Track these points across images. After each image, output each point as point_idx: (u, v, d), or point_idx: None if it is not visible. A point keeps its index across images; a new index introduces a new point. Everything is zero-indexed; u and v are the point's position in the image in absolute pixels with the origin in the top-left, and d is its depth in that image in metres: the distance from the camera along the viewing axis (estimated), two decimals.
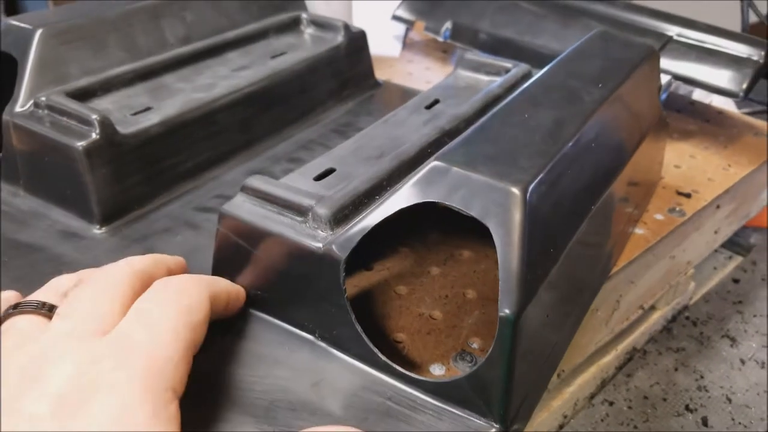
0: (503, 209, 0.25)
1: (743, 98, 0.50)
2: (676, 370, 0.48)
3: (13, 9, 1.38)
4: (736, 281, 0.58)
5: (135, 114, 0.38)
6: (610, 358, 0.46)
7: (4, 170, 0.38)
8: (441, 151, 0.28)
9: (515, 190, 0.25)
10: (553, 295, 0.28)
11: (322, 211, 0.28)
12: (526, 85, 0.35)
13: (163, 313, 0.23)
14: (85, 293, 0.24)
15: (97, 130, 0.34)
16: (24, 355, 0.22)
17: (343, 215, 0.28)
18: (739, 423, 0.44)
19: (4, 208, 0.36)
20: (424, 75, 0.66)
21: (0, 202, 0.36)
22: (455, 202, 0.26)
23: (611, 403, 0.45)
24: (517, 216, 0.25)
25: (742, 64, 0.51)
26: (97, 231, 0.35)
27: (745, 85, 0.50)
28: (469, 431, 0.25)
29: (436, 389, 0.26)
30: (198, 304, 0.25)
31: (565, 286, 0.30)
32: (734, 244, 0.63)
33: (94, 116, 0.34)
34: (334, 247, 0.27)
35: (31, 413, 0.20)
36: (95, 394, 0.20)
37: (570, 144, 0.30)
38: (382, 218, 0.27)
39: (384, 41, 0.72)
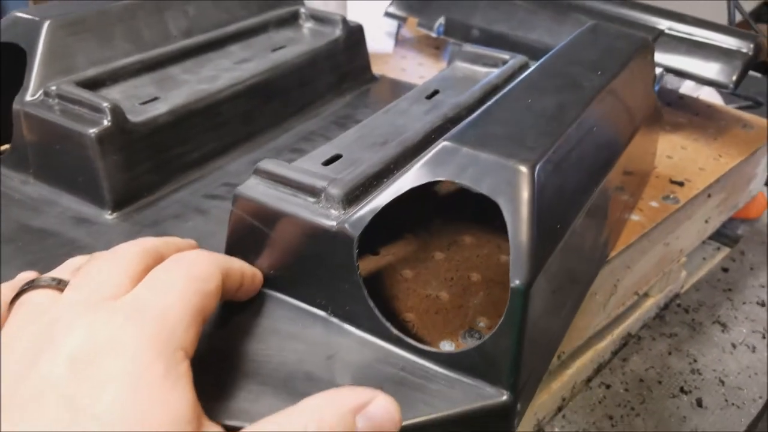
0: (512, 186, 0.26)
1: (733, 90, 0.52)
2: (669, 354, 0.50)
3: None
4: (725, 270, 0.60)
5: (143, 103, 0.38)
6: (606, 343, 0.47)
7: (13, 159, 0.38)
8: (449, 133, 0.29)
9: (524, 168, 0.27)
10: (558, 270, 0.29)
11: (335, 191, 0.29)
12: (527, 72, 0.37)
13: (174, 279, 0.24)
14: (97, 266, 0.25)
15: (109, 118, 0.34)
16: (37, 323, 0.23)
17: (354, 196, 0.29)
18: (733, 404, 0.46)
19: (15, 196, 0.36)
20: (417, 70, 0.67)
21: None
22: (465, 181, 0.27)
23: (608, 386, 0.46)
24: (525, 193, 0.26)
25: (732, 57, 0.52)
26: (108, 217, 0.35)
27: (735, 77, 0.51)
28: (480, 398, 0.26)
29: (448, 360, 0.27)
30: (209, 275, 0.25)
31: (568, 264, 0.31)
32: (722, 236, 0.64)
33: (105, 104, 0.34)
34: (347, 225, 0.28)
35: (47, 375, 0.20)
36: (109, 353, 0.21)
37: (573, 127, 0.31)
38: (394, 197, 0.28)
39: (377, 37, 0.73)
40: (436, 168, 0.28)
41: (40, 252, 0.33)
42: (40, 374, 0.20)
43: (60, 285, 0.25)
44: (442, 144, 0.28)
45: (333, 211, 0.29)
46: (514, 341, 0.26)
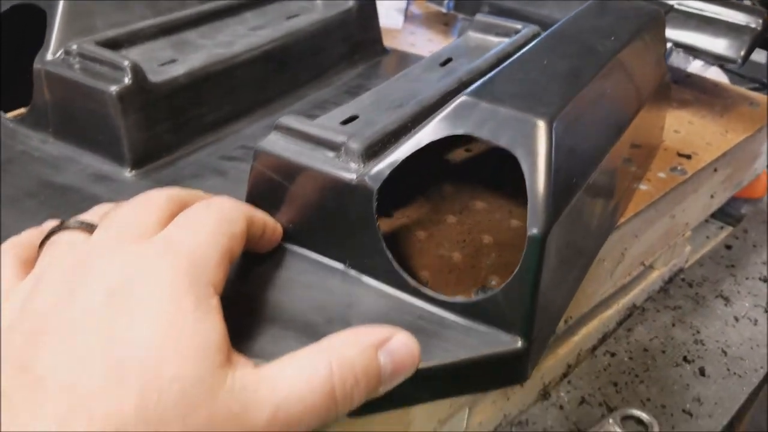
0: (530, 139, 0.27)
1: (741, 65, 0.52)
2: (673, 325, 0.50)
3: None
4: (728, 247, 0.61)
5: (161, 65, 0.39)
6: (611, 312, 0.48)
7: (33, 119, 0.39)
8: (468, 89, 0.29)
9: (541, 122, 0.27)
10: (572, 225, 0.30)
11: (355, 145, 0.29)
12: (540, 38, 0.37)
13: (204, 219, 0.25)
14: (125, 209, 0.25)
15: (129, 76, 0.35)
16: (71, 259, 0.23)
17: (373, 151, 0.30)
18: (735, 373, 0.46)
19: (35, 154, 0.37)
20: (427, 46, 0.68)
21: None
22: (484, 134, 0.28)
23: (613, 355, 0.47)
24: (543, 145, 0.27)
25: (740, 32, 0.53)
26: (128, 174, 0.36)
27: (743, 52, 0.52)
28: (495, 345, 0.27)
29: (464, 309, 0.28)
30: (236, 219, 0.26)
31: (581, 221, 0.32)
32: (726, 215, 0.65)
33: (126, 62, 0.35)
34: (366, 178, 0.29)
35: (83, 306, 0.21)
36: (143, 285, 0.21)
37: (588, 88, 0.32)
38: (414, 150, 0.29)
39: (386, 14, 0.74)
40: (456, 122, 0.28)
41: (62, 206, 0.33)
42: (77, 302, 0.21)
43: (88, 228, 0.25)
44: (462, 99, 0.29)
45: (353, 165, 0.29)
46: (530, 289, 0.27)
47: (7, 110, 0.41)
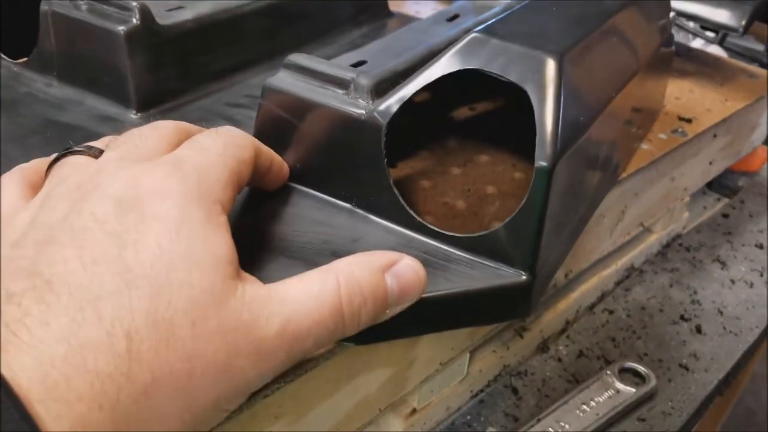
0: (540, 74, 0.27)
1: (742, 34, 0.53)
2: (671, 286, 0.51)
3: None
4: (725, 216, 0.61)
5: (169, 10, 0.39)
6: (610, 272, 0.48)
7: (38, 61, 0.38)
8: (478, 27, 0.30)
9: (551, 58, 0.27)
10: (578, 164, 0.30)
11: (364, 81, 0.30)
12: None
13: (212, 143, 0.25)
14: (133, 134, 0.25)
15: (137, 17, 0.35)
16: (79, 176, 0.23)
17: (383, 88, 0.30)
18: (731, 331, 0.47)
19: (40, 96, 0.37)
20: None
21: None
22: (494, 69, 0.28)
23: (611, 312, 0.48)
24: (552, 81, 0.27)
25: (742, 1, 0.53)
26: (133, 116, 0.36)
27: (744, 21, 0.52)
28: (500, 278, 0.27)
29: (470, 244, 0.28)
30: (244, 144, 0.26)
31: (586, 162, 0.32)
32: (723, 187, 0.66)
33: (134, 3, 0.35)
34: (375, 114, 0.29)
35: (93, 212, 0.21)
36: (153, 197, 0.21)
37: (595, 33, 0.32)
38: (423, 85, 0.29)
39: None
40: (466, 57, 0.28)
41: (67, 143, 0.33)
42: (86, 211, 0.21)
43: (96, 152, 0.26)
44: (472, 35, 0.29)
45: (361, 101, 0.30)
46: (536, 222, 0.27)
47: (14, 58, 0.41)
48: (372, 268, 0.24)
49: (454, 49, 0.29)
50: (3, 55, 0.40)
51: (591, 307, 0.48)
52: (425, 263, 0.28)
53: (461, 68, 0.28)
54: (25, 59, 0.43)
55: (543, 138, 0.26)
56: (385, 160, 0.29)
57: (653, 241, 0.53)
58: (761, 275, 0.53)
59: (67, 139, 0.34)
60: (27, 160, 0.29)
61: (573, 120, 0.29)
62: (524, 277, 0.27)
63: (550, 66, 0.27)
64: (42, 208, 0.22)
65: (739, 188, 0.66)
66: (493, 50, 0.28)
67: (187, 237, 0.21)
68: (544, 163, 0.26)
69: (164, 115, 0.37)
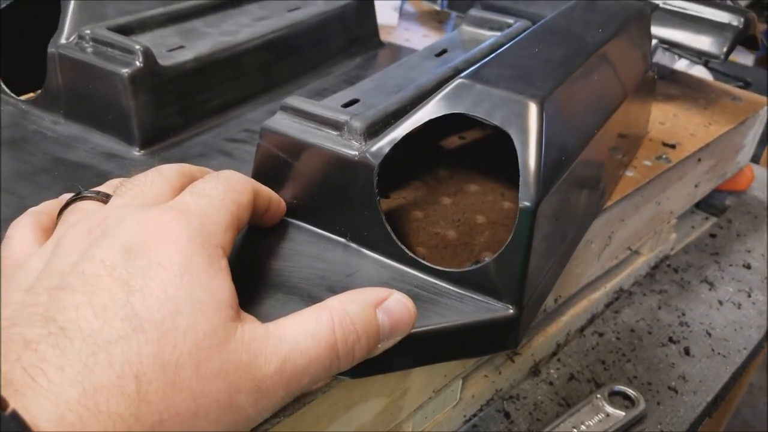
0: (522, 118, 0.29)
1: (723, 61, 0.54)
2: (659, 308, 0.52)
3: None
4: (713, 236, 0.63)
5: (170, 51, 0.41)
6: (599, 295, 0.50)
7: (45, 100, 0.40)
8: (464, 72, 0.31)
9: (533, 103, 0.29)
10: (561, 201, 0.32)
11: (357, 124, 0.31)
12: (532, 28, 0.39)
13: (214, 187, 0.26)
14: (139, 179, 0.27)
15: (140, 59, 0.36)
16: (88, 222, 0.25)
17: (374, 129, 0.32)
18: (719, 353, 0.48)
19: (47, 133, 0.38)
20: (421, 41, 0.70)
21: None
22: (479, 114, 0.30)
23: (601, 335, 0.49)
24: (534, 124, 0.29)
25: (723, 29, 0.55)
26: (137, 153, 0.38)
27: (725, 48, 0.54)
28: (488, 311, 0.29)
29: (459, 278, 0.30)
30: (243, 189, 0.27)
31: (570, 197, 0.34)
32: (711, 207, 0.67)
33: (137, 46, 0.37)
34: (368, 155, 0.31)
35: (102, 258, 0.22)
36: (158, 243, 0.23)
37: (576, 74, 0.34)
38: (413, 128, 0.30)
39: (382, 11, 0.75)
40: (453, 102, 0.30)
41: (75, 181, 0.35)
42: (96, 258, 0.22)
43: (104, 197, 0.27)
44: (458, 81, 0.30)
45: (355, 143, 0.31)
46: (521, 259, 0.28)
47: (18, 94, 0.43)
48: (364, 304, 0.25)
49: (442, 94, 0.30)
50: (11, 93, 0.42)
51: (581, 330, 0.49)
52: (416, 297, 0.29)
53: (448, 112, 0.30)
54: (32, 95, 0.45)
55: (526, 179, 0.28)
56: (378, 198, 0.31)
57: (641, 263, 0.54)
58: (749, 296, 0.55)
59: (74, 178, 0.35)
60: (37, 199, 0.30)
61: (555, 159, 0.30)
62: (511, 311, 0.29)
63: (532, 110, 0.29)
64: (54, 253, 0.24)
65: (726, 207, 0.68)
66: (478, 95, 0.30)
67: (190, 282, 0.22)
68: (527, 203, 0.28)
69: (166, 152, 0.38)
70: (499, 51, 0.35)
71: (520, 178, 0.28)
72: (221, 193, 0.26)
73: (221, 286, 0.23)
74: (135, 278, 0.22)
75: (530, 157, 0.28)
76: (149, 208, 0.25)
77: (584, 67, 0.35)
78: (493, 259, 0.29)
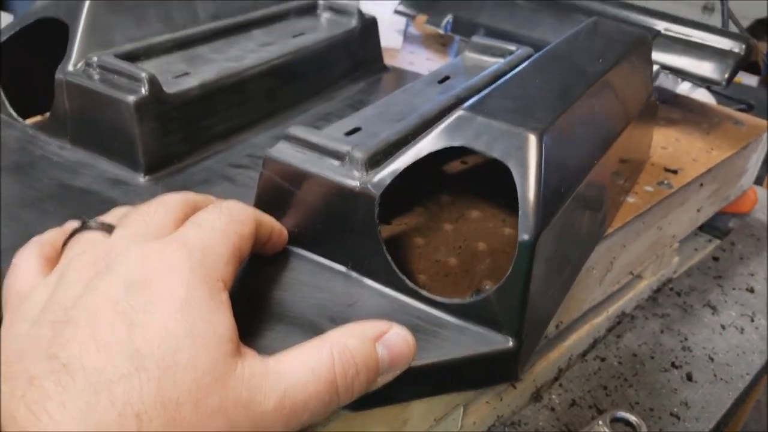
0: (521, 151, 0.29)
1: (725, 86, 0.55)
2: (662, 332, 0.52)
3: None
4: (716, 259, 0.63)
5: (175, 77, 0.41)
6: (601, 319, 0.50)
7: (52, 126, 0.41)
8: (465, 104, 0.32)
9: (532, 135, 0.29)
10: (561, 231, 0.32)
11: (359, 155, 0.31)
12: (534, 57, 0.39)
13: (216, 219, 0.26)
14: (143, 210, 0.27)
15: (146, 87, 0.37)
16: (92, 255, 0.25)
17: (376, 160, 0.32)
18: (721, 379, 0.48)
19: (54, 159, 0.39)
20: (425, 64, 0.70)
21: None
22: (479, 146, 0.30)
23: (603, 359, 0.49)
24: (533, 157, 0.29)
25: (724, 56, 0.55)
26: (142, 180, 0.38)
27: (727, 75, 0.54)
28: (488, 344, 0.29)
29: (459, 310, 0.30)
30: (245, 220, 0.28)
31: (570, 228, 0.34)
32: (714, 228, 0.67)
33: (144, 74, 0.37)
34: (369, 185, 0.31)
35: (106, 293, 0.23)
36: (160, 278, 0.23)
37: (576, 105, 0.34)
38: (414, 160, 0.31)
39: (386, 34, 0.76)
40: (453, 134, 0.30)
41: (80, 208, 0.35)
42: (99, 293, 0.23)
43: (108, 228, 0.27)
44: (459, 113, 0.31)
45: (356, 173, 0.31)
46: (520, 291, 0.29)
47: (25, 117, 0.44)
48: (364, 338, 0.25)
49: (442, 126, 0.31)
50: (18, 118, 0.43)
51: (583, 355, 0.49)
52: (416, 329, 0.30)
53: (449, 145, 0.30)
54: (39, 118, 0.45)
55: (525, 212, 0.28)
56: (378, 229, 0.31)
57: (644, 287, 0.54)
58: (751, 320, 0.54)
59: (80, 204, 0.36)
60: (42, 226, 0.31)
61: (555, 191, 0.30)
62: (511, 344, 0.29)
63: (532, 143, 0.29)
64: (58, 286, 0.24)
65: (729, 230, 0.68)
66: (477, 127, 0.30)
67: (191, 318, 0.22)
68: (526, 237, 0.28)
69: (170, 178, 0.39)
70: (500, 81, 0.35)
71: (520, 211, 0.28)
72: (223, 224, 0.26)
73: (221, 321, 0.23)
74: (137, 313, 0.22)
75: (529, 191, 0.28)
76: (152, 240, 0.25)
77: (585, 97, 0.35)
78: (493, 291, 0.29)
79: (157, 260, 0.24)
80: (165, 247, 0.24)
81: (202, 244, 0.25)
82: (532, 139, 0.29)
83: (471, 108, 0.31)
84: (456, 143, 0.30)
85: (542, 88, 0.35)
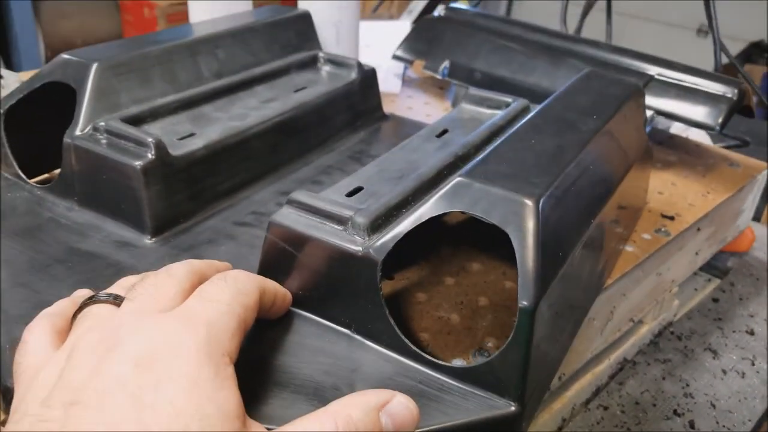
0: (519, 217, 0.30)
1: (719, 132, 0.56)
2: (663, 378, 0.52)
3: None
4: (715, 300, 0.63)
5: (181, 139, 0.42)
6: (603, 367, 0.50)
7: (60, 187, 0.41)
8: (463, 169, 0.33)
9: (529, 201, 0.30)
10: (561, 294, 0.32)
11: (361, 220, 0.32)
12: (528, 116, 0.40)
13: (221, 293, 0.27)
14: (151, 282, 0.28)
15: (153, 152, 0.38)
16: (102, 330, 0.25)
17: (377, 224, 0.33)
18: (723, 426, 0.48)
19: (62, 221, 0.40)
20: (423, 109, 0.72)
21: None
22: (478, 212, 0.31)
23: (605, 408, 0.49)
24: (531, 223, 0.30)
25: (717, 101, 0.56)
26: (148, 241, 0.39)
27: (720, 119, 0.56)
28: (490, 409, 0.29)
29: (462, 374, 0.30)
30: (250, 291, 0.29)
31: (569, 289, 0.34)
32: (713, 268, 0.68)
33: (150, 139, 0.38)
34: (371, 251, 0.32)
35: (116, 373, 0.23)
36: (167, 356, 0.24)
37: (571, 166, 0.35)
38: (414, 225, 0.31)
39: (385, 78, 0.78)
40: (452, 200, 0.31)
41: (88, 272, 0.36)
42: (108, 373, 0.23)
43: (117, 300, 0.28)
44: (457, 179, 0.32)
45: (358, 238, 0.32)
46: (522, 356, 0.29)
47: (30, 175, 0.45)
48: (368, 408, 0.26)
49: (441, 192, 0.32)
50: (28, 180, 0.44)
51: (586, 403, 0.49)
52: (419, 394, 0.30)
53: (448, 210, 0.31)
54: (47, 175, 0.46)
55: (525, 279, 0.29)
56: (381, 293, 0.32)
57: (645, 332, 0.54)
58: (752, 364, 0.55)
59: (88, 269, 0.36)
60: (51, 293, 0.31)
61: (553, 256, 0.31)
62: (513, 408, 0.29)
63: (529, 209, 0.30)
64: (68, 364, 0.25)
65: (729, 269, 0.68)
66: (476, 194, 0.31)
67: (198, 396, 0.23)
68: (526, 303, 0.28)
69: (176, 238, 0.40)
70: (496, 143, 0.36)
71: (519, 278, 0.29)
72: (228, 297, 0.27)
73: (227, 397, 0.24)
74: (146, 394, 0.23)
75: (528, 258, 0.29)
76: (159, 315, 0.26)
77: (579, 157, 0.36)
78: (495, 356, 0.29)
79: (164, 338, 0.24)
80: (171, 323, 0.25)
81: (207, 319, 0.26)
82: (529, 205, 0.30)
83: (469, 174, 0.32)
84: (455, 209, 0.31)
85: (537, 149, 0.35)
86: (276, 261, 0.34)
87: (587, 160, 0.38)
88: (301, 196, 0.34)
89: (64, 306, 0.29)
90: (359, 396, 0.26)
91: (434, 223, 0.44)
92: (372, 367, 0.31)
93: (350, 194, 0.37)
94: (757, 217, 0.78)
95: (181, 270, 0.29)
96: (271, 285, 0.32)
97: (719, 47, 0.88)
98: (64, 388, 0.23)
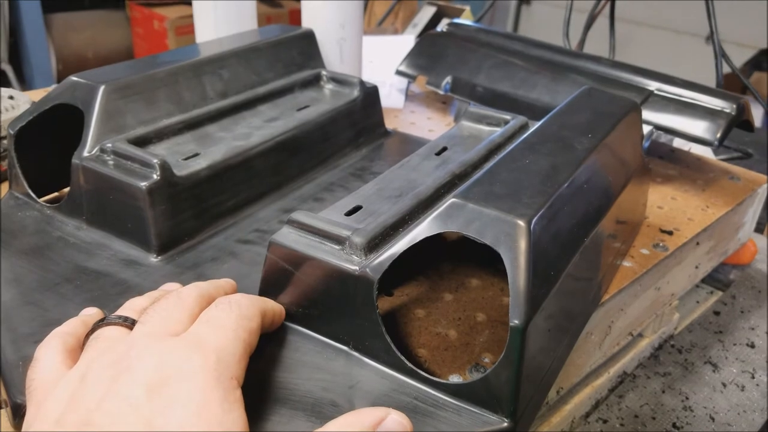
0: (512, 238, 0.31)
1: (718, 146, 0.56)
2: (663, 392, 0.53)
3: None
4: (717, 313, 0.63)
5: (186, 159, 0.43)
6: (603, 380, 0.50)
7: (69, 207, 0.43)
8: (457, 190, 0.33)
9: (521, 222, 0.31)
10: (553, 312, 0.33)
11: (358, 240, 0.33)
12: (524, 135, 0.41)
13: (227, 318, 0.28)
14: (162, 306, 0.29)
15: (158, 173, 0.39)
16: (114, 353, 0.27)
17: (374, 244, 0.34)
18: None
19: (70, 240, 0.41)
20: (426, 124, 0.73)
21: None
22: (471, 233, 0.31)
23: (605, 421, 0.50)
24: (523, 243, 0.31)
25: (716, 116, 0.57)
26: (153, 259, 0.40)
27: (719, 135, 0.56)
28: (483, 425, 0.30)
29: (456, 391, 0.31)
30: (253, 315, 0.30)
31: (563, 306, 0.35)
32: (715, 280, 0.68)
33: (155, 160, 0.39)
34: (368, 270, 0.32)
35: (125, 401, 0.24)
36: (177, 381, 0.25)
37: (565, 185, 0.36)
38: (409, 245, 0.32)
39: (389, 94, 0.79)
40: (446, 221, 0.32)
41: (96, 290, 0.37)
42: (120, 396, 0.24)
43: (128, 322, 0.29)
44: (451, 200, 0.32)
45: (355, 257, 0.33)
46: (514, 374, 0.30)
47: (40, 194, 0.46)
48: (364, 427, 0.26)
49: (436, 213, 0.33)
50: (38, 200, 0.45)
51: (586, 416, 0.50)
52: (415, 410, 0.31)
53: (442, 231, 0.32)
54: (56, 194, 0.48)
55: (516, 298, 0.30)
56: (378, 311, 0.32)
57: (645, 345, 0.55)
58: (752, 377, 0.55)
59: (95, 287, 0.37)
60: (60, 311, 0.32)
61: (545, 275, 0.32)
62: (506, 424, 0.30)
63: (521, 230, 0.31)
64: (81, 385, 0.26)
65: (730, 281, 0.69)
66: (469, 215, 0.32)
67: (207, 420, 0.24)
68: (517, 322, 0.29)
69: (181, 256, 0.41)
70: (491, 163, 0.37)
71: (510, 297, 0.30)
72: (233, 322, 0.28)
73: (235, 420, 0.25)
74: (156, 417, 0.24)
75: (519, 277, 0.30)
76: (170, 340, 0.27)
77: (573, 177, 0.37)
78: (487, 374, 0.30)
79: (174, 363, 0.26)
80: (182, 348, 0.26)
81: (216, 345, 0.27)
82: (521, 226, 0.31)
83: (462, 195, 0.33)
84: (449, 229, 0.32)
85: (532, 169, 0.36)
86: (276, 279, 0.35)
87: (581, 179, 0.38)
88: (300, 216, 0.35)
89: (75, 325, 0.31)
90: (355, 415, 0.27)
91: (433, 240, 0.45)
92: (369, 384, 0.32)
93: (349, 213, 0.38)
94: (759, 229, 0.78)
95: (190, 294, 0.30)
96: (270, 306, 0.33)
97: (721, 56, 0.89)
98: (78, 408, 0.24)
